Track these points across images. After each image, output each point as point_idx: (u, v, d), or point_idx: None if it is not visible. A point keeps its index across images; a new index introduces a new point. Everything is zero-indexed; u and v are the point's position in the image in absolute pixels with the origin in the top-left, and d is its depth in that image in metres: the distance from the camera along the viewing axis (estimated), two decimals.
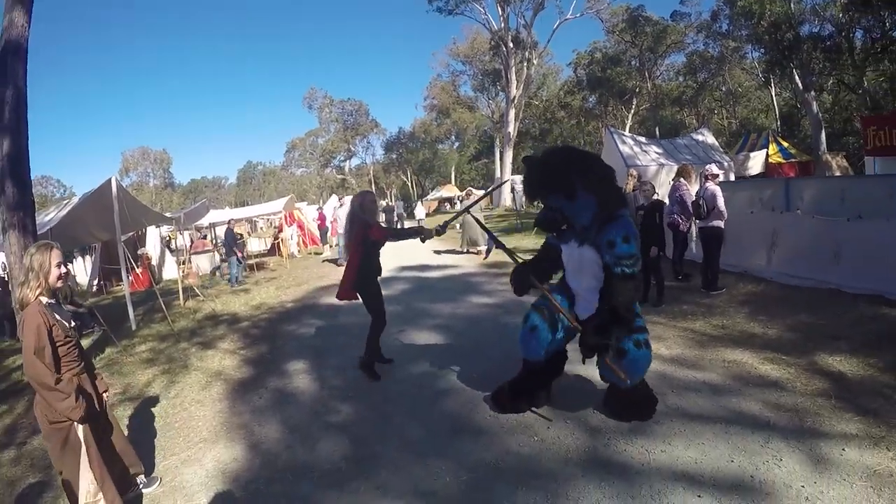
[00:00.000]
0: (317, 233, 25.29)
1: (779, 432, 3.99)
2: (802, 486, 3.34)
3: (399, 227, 26.96)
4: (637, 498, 3.40)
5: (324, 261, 18.44)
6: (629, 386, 4.29)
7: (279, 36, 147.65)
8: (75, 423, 3.35)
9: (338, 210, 19.26)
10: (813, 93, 28.48)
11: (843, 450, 3.68)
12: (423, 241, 6.03)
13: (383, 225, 24.29)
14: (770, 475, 3.49)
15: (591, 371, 5.07)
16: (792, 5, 27.93)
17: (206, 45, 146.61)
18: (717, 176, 8.60)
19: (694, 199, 8.72)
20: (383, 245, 6.13)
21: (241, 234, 24.38)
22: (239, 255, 15.67)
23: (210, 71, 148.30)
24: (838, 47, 29.91)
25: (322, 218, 25.28)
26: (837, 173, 20.42)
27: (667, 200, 8.85)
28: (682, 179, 9.04)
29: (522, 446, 4.18)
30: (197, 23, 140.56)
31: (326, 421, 4.98)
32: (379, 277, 6.24)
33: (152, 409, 5.64)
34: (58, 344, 3.26)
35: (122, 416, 5.49)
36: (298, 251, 22.69)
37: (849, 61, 30.25)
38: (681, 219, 8.79)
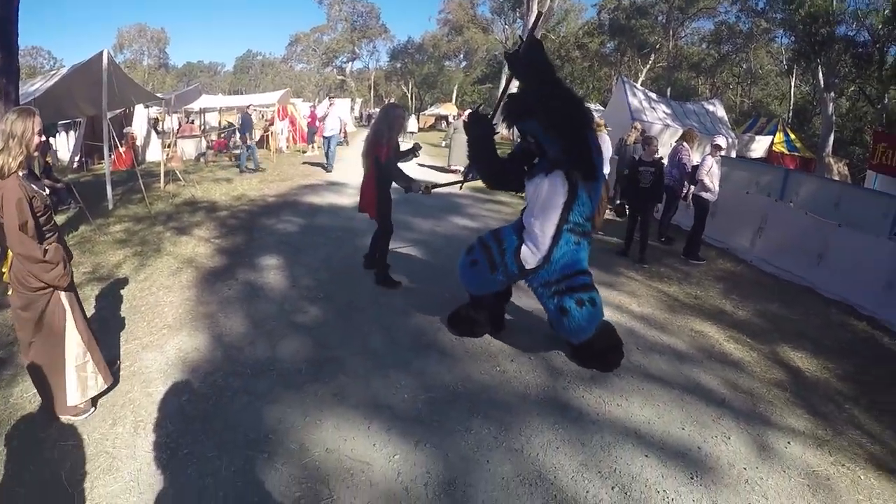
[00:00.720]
0: (306, 131, 24.81)
1: (731, 411, 4.02)
2: (744, 469, 3.37)
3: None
4: (587, 446, 3.43)
5: (303, 163, 17.30)
6: (583, 341, 4.21)
7: None
8: (58, 291, 3.27)
9: (329, 110, 17.49)
10: (832, 94, 27.83)
11: (789, 443, 3.70)
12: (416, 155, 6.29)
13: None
14: (717, 450, 3.51)
15: None
16: (834, 2, 27.02)
17: None
18: (721, 149, 8.42)
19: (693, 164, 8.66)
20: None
21: (231, 123, 23.87)
22: (249, 142, 15.51)
23: None
24: (869, 57, 29.08)
25: (313, 117, 24.62)
26: (836, 178, 20.22)
27: (666, 162, 8.71)
28: (684, 143, 8.95)
29: (483, 374, 4.18)
30: None
31: (292, 320, 4.93)
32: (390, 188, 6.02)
33: (120, 291, 5.53)
34: (38, 215, 3.13)
35: (88, 294, 5.38)
36: (287, 147, 22.23)
37: (876, 73, 29.42)
38: (678, 182, 8.69)
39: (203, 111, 23.56)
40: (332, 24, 70.19)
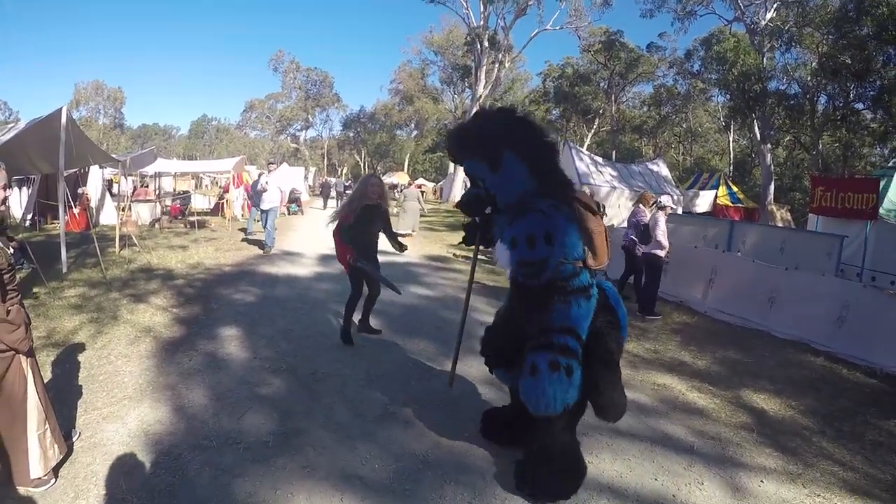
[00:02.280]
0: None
1: (702, 458, 4.15)
2: None
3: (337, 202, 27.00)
4: None
5: (242, 240, 15.33)
6: (542, 420, 3.41)
7: None
8: (19, 355, 3.17)
9: (267, 179, 14.18)
10: (769, 145, 29.69)
11: (762, 481, 3.85)
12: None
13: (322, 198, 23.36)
14: (692, 497, 3.61)
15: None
16: (764, 60, 29.02)
17: None
18: (666, 208, 8.82)
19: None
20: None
21: (187, 190, 23.68)
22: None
23: (178, 13, 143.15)
24: (801, 108, 31.29)
25: (247, 187, 24.48)
26: (780, 224, 21.22)
27: (625, 224, 9.06)
28: (641, 205, 9.33)
29: (451, 441, 4.17)
30: None
31: (255, 392, 4.86)
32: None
33: (77, 358, 5.36)
34: (2, 272, 3.08)
35: (44, 361, 5.17)
36: (242, 214, 22.11)
37: (808, 122, 31.64)
38: (638, 242, 9.01)
39: (158, 175, 23.34)
40: (287, 92, 71.43)
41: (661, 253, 8.60)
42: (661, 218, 8.62)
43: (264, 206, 13.50)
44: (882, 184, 12.23)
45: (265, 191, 13.54)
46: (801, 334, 7.61)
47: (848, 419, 5.10)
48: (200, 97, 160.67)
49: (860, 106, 31.27)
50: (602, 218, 4.15)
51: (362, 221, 6.15)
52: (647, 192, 10.87)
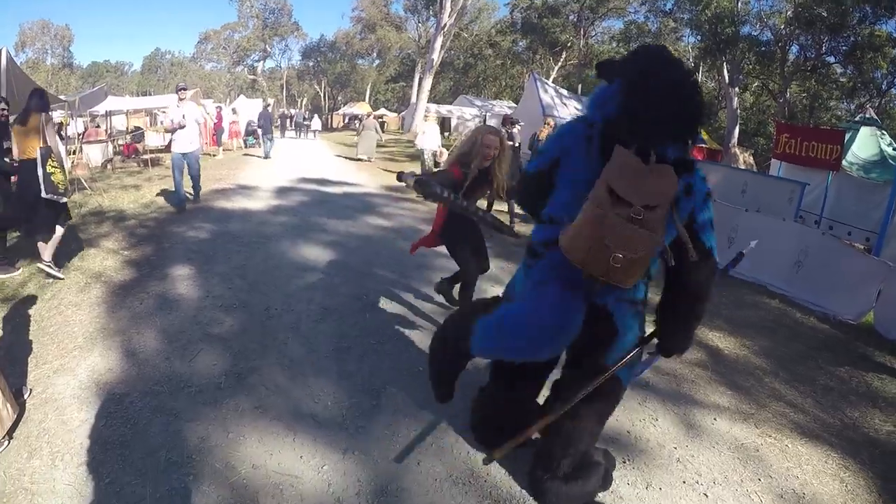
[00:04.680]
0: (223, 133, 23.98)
1: (656, 394, 4.16)
2: (675, 448, 3.50)
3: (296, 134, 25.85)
4: None
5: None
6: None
7: None
8: None
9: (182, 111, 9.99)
10: (737, 89, 29.65)
11: (715, 419, 3.89)
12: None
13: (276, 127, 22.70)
14: (646, 433, 3.63)
15: None
16: (739, 4, 28.59)
17: None
18: None
19: None
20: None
21: (139, 127, 22.76)
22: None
23: None
24: (772, 55, 31.29)
25: (220, 118, 23.84)
26: (742, 167, 21.30)
27: None
28: None
29: (405, 375, 4.13)
30: None
31: (208, 332, 4.72)
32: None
33: (27, 312, 5.11)
34: None
35: None
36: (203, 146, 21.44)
37: (778, 70, 31.67)
38: None
39: (109, 114, 22.32)
40: (244, 21, 68.07)
41: None
42: None
43: (182, 149, 9.66)
44: (847, 136, 12.21)
45: (182, 127, 9.58)
46: (758, 276, 7.68)
47: (801, 362, 5.15)
48: (153, 30, 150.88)
49: (831, 59, 31.62)
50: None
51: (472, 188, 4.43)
52: None
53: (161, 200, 10.57)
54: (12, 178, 6.56)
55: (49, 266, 5.96)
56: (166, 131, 11.00)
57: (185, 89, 10.14)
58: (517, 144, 11.29)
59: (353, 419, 3.53)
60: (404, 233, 8.65)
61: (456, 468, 3.16)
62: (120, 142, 20.36)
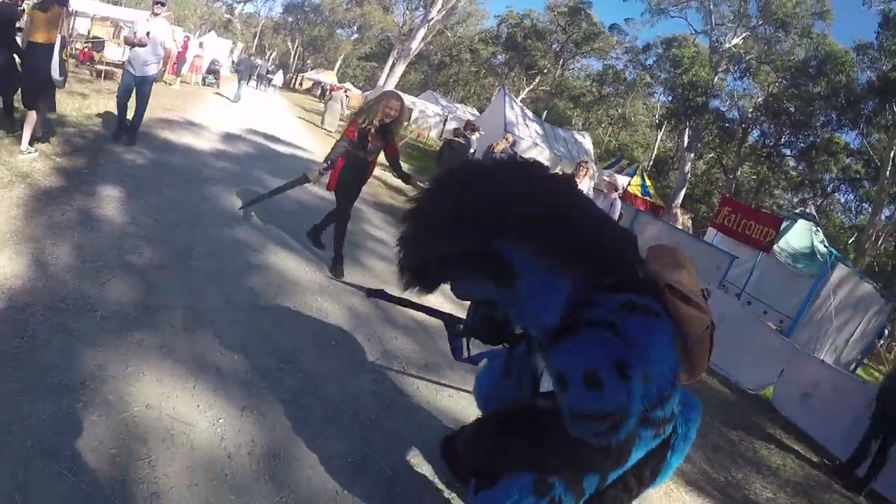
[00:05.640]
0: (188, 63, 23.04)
1: None
2: None
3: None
4: (422, 429, 3.48)
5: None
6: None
7: None
8: None
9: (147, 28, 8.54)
10: (692, 155, 30.82)
11: None
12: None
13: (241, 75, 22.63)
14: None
15: None
16: (716, 78, 29.77)
17: None
18: (618, 190, 8.87)
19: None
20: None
21: (99, 36, 21.59)
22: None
23: None
24: (733, 133, 33.02)
25: (185, 48, 22.87)
26: (680, 227, 22.08)
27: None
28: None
29: (317, 346, 4.09)
30: None
31: (126, 259, 4.50)
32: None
33: None
34: None
35: None
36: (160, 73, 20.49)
37: (735, 148, 33.36)
38: None
39: (74, 14, 21.03)
40: None
41: None
42: (615, 198, 8.65)
43: (136, 69, 8.30)
44: (784, 225, 12.85)
45: (143, 45, 8.17)
46: None
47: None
48: None
49: (787, 151, 33.55)
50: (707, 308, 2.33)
51: (372, 140, 5.60)
52: (613, 178, 10.94)
53: (107, 116, 10.01)
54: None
55: (28, 150, 6.39)
56: (126, 44, 9.40)
57: (161, 4, 8.64)
58: (473, 150, 11.43)
59: (257, 379, 3.47)
60: None
61: (354, 451, 3.14)
62: (77, 45, 19.21)
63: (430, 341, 4.83)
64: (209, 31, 47.15)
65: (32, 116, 6.37)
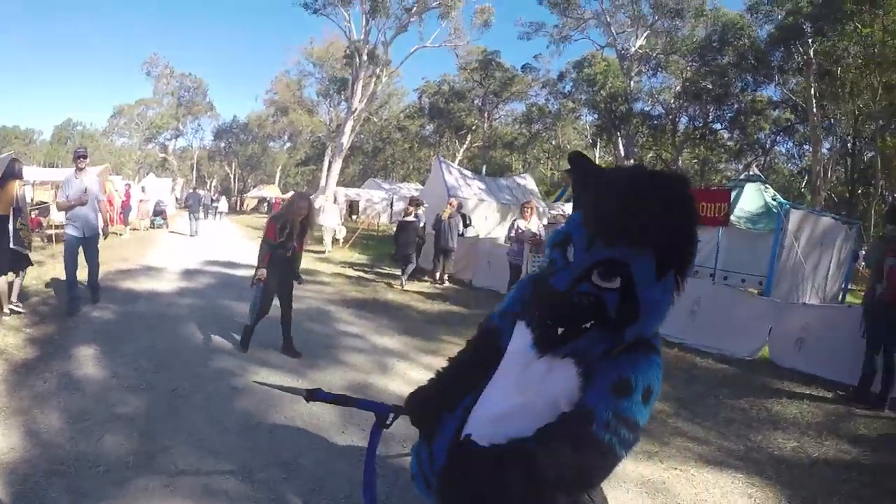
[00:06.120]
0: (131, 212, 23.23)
1: None
2: None
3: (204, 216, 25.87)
4: None
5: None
6: None
7: None
8: None
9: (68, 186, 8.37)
10: (632, 161, 32.07)
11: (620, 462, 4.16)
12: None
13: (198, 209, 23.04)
14: None
15: None
16: (632, 83, 31.43)
17: None
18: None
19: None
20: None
21: (45, 201, 21.75)
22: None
23: (44, 4, 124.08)
24: (663, 127, 34.54)
25: (128, 196, 23.20)
26: None
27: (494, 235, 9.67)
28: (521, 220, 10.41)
29: (316, 448, 4.20)
30: None
31: (115, 412, 4.59)
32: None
33: None
34: None
35: None
36: (104, 228, 20.54)
37: (670, 140, 34.85)
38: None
39: (25, 184, 21.18)
40: (159, 98, 66.58)
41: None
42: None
43: (79, 231, 7.91)
44: (734, 194, 13.39)
45: (83, 203, 7.82)
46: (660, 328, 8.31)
47: (701, 401, 5.58)
48: (66, 99, 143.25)
49: (718, 126, 35.25)
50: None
51: (288, 240, 6.32)
52: (563, 210, 11.44)
53: (64, 278, 10.07)
54: None
55: (17, 305, 7.26)
56: (61, 209, 8.40)
57: (84, 157, 8.11)
58: (422, 224, 11.92)
59: (264, 491, 3.57)
60: (311, 314, 8.71)
61: None
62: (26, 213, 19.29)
63: None
64: (147, 173, 47.67)
65: (2, 283, 7.07)
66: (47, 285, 9.48)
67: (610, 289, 1.82)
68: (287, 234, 6.24)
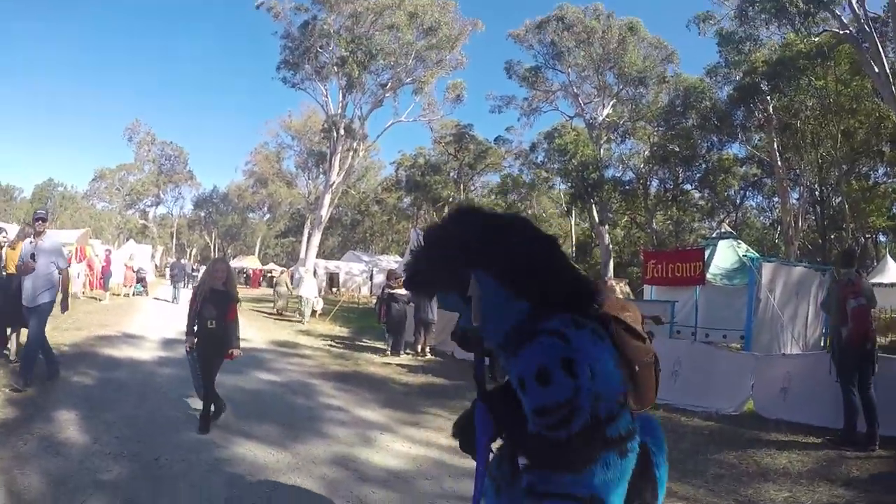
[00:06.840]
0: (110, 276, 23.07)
1: None
2: None
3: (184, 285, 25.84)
4: None
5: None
6: None
7: (107, 62, 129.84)
8: None
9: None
10: (607, 227, 33.02)
11: None
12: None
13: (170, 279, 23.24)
14: None
15: None
16: (602, 151, 32.58)
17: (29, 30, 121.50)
18: None
19: None
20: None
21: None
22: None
23: (30, 61, 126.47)
24: (635, 191, 35.59)
25: (108, 261, 23.20)
26: (620, 296, 22.90)
27: None
28: None
29: None
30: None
31: (97, 478, 4.55)
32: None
33: None
34: None
35: None
36: (83, 292, 20.38)
37: (643, 204, 35.86)
38: None
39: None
40: (140, 164, 67.14)
41: None
42: None
43: (31, 301, 7.15)
44: (707, 252, 13.70)
45: (31, 270, 7.02)
46: None
47: (689, 459, 5.58)
48: (48, 157, 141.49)
49: (688, 187, 36.35)
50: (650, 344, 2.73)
51: (207, 307, 6.02)
52: None
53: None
54: None
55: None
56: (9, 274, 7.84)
57: (42, 220, 7.39)
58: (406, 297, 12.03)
59: None
60: (293, 387, 8.71)
61: None
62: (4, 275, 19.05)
63: (406, 485, 4.94)
64: (127, 239, 47.47)
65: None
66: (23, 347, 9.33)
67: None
68: (201, 301, 6.01)
